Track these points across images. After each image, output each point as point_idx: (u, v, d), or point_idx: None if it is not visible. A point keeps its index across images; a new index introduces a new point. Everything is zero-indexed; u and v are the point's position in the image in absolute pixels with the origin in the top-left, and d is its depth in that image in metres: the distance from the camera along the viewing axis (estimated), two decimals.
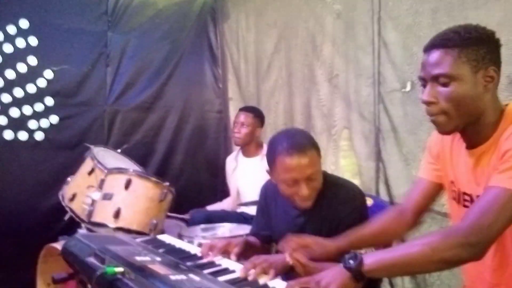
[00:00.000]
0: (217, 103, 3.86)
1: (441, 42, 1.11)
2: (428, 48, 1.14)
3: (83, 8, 3.24)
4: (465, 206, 1.23)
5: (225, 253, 1.44)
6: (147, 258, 1.32)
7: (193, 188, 3.66)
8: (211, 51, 3.84)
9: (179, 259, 1.37)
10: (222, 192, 3.30)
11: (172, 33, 3.61)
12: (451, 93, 1.09)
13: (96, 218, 2.07)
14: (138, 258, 1.30)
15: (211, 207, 3.02)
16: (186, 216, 2.75)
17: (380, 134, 2.42)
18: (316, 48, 2.85)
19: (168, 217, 2.45)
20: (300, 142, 1.46)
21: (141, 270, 1.17)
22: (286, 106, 3.13)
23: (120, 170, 2.16)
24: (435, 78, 1.11)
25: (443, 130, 1.15)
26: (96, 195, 2.14)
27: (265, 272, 1.23)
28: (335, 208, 1.48)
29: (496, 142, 1.11)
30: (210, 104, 3.85)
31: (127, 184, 2.06)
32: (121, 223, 2.01)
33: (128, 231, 2.00)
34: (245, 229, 2.30)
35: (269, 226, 1.68)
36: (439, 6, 2.06)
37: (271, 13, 3.23)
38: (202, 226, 2.39)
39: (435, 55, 1.11)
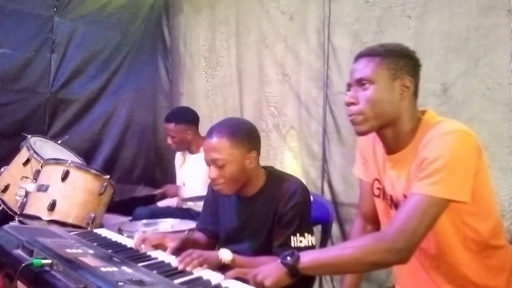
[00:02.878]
0: (169, 96, 3.81)
1: (367, 51, 1.23)
2: (356, 58, 1.25)
3: None
4: (388, 204, 1.30)
5: (161, 247, 1.43)
6: (78, 251, 1.29)
7: (145, 183, 3.59)
8: (163, 45, 3.80)
9: (113, 252, 1.35)
10: None
11: (123, 23, 3.53)
12: (369, 95, 1.18)
13: (30, 210, 1.97)
14: (69, 251, 1.27)
15: (162, 203, 2.96)
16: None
17: (326, 135, 2.50)
18: (268, 47, 2.88)
19: None
20: (216, 127, 1.51)
21: (71, 262, 1.14)
22: (235, 103, 3.14)
23: (57, 161, 2.08)
24: (358, 82, 1.20)
25: (360, 129, 1.23)
26: (31, 186, 2.04)
27: (200, 266, 1.24)
28: (278, 201, 1.50)
29: (414, 149, 1.18)
30: (162, 98, 3.80)
31: (65, 176, 1.98)
32: (56, 215, 1.93)
33: (63, 224, 1.93)
34: (188, 224, 2.28)
35: (216, 220, 1.69)
36: (383, 15, 2.16)
37: (223, 10, 3.23)
38: (144, 221, 2.34)
39: (361, 62, 1.22)
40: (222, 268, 1.34)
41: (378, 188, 1.35)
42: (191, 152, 2.83)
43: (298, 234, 1.47)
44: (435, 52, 1.99)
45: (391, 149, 1.26)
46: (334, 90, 2.46)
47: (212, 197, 1.71)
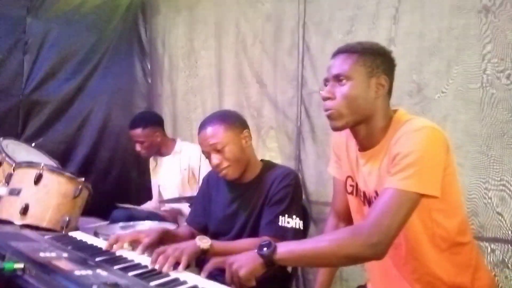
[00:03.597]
0: (146, 98, 3.76)
1: (345, 48, 1.26)
2: (334, 54, 1.27)
3: None
4: (362, 201, 1.32)
5: (137, 244, 1.41)
6: (52, 255, 1.26)
7: (122, 186, 3.54)
8: (140, 46, 3.75)
9: (88, 255, 1.32)
10: (151, 190, 3.20)
11: (99, 24, 3.47)
12: (346, 90, 1.21)
13: (2, 215, 1.91)
14: (43, 255, 1.24)
15: (143, 207, 2.92)
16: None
17: (301, 135, 2.52)
18: (246, 48, 2.88)
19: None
20: (206, 119, 1.63)
21: (44, 266, 1.12)
22: (214, 104, 3.13)
23: (29, 164, 2.02)
24: (336, 77, 1.23)
25: (335, 125, 1.25)
26: (2, 190, 1.98)
27: (177, 261, 1.23)
28: (270, 184, 1.56)
29: (386, 146, 1.21)
30: (139, 99, 3.75)
31: (38, 179, 1.92)
32: (28, 220, 1.87)
33: (37, 228, 1.88)
34: (167, 227, 2.26)
35: (207, 212, 1.71)
36: (356, 15, 2.19)
37: (202, 11, 3.22)
38: (121, 224, 2.31)
39: (339, 58, 1.24)
40: (202, 255, 1.34)
41: (351, 185, 1.36)
42: (162, 155, 2.80)
43: (286, 215, 1.50)
44: (409, 52, 2.03)
45: (363, 146, 1.28)
46: (309, 89, 2.49)
47: (207, 189, 1.76)
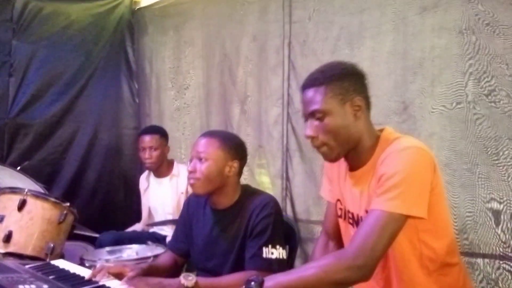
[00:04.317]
0: (134, 119, 3.74)
1: (310, 82, 1.25)
2: (303, 88, 1.27)
3: None
4: (350, 223, 1.31)
5: (121, 276, 1.38)
6: (32, 287, 1.22)
7: (108, 209, 3.49)
8: (128, 65, 3.73)
9: (69, 285, 1.28)
10: (138, 212, 3.17)
11: (85, 45, 3.45)
12: (326, 126, 1.20)
13: None
14: (21, 287, 1.20)
15: (131, 229, 2.87)
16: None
17: (288, 153, 2.51)
18: (231, 68, 2.89)
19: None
20: (213, 131, 1.78)
21: None
22: (203, 123, 3.13)
23: (13, 190, 1.99)
24: (312, 114, 1.22)
25: (329, 158, 1.25)
26: None
27: None
28: (250, 213, 1.53)
29: (374, 166, 1.20)
30: (126, 120, 3.72)
31: (21, 205, 1.89)
32: (12, 247, 1.84)
33: (20, 256, 1.84)
34: (154, 250, 2.22)
35: (189, 238, 1.69)
36: (340, 35, 2.21)
37: (188, 31, 3.24)
38: (108, 248, 2.27)
39: (307, 94, 1.24)
40: None
41: (340, 209, 1.35)
42: (158, 175, 2.77)
43: (270, 246, 1.49)
44: (393, 72, 2.05)
45: (352, 166, 1.28)
46: (296, 108, 2.49)
47: (187, 215, 1.73)
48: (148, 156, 2.65)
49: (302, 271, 1.13)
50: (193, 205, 1.72)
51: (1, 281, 1.25)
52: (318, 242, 1.54)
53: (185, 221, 1.73)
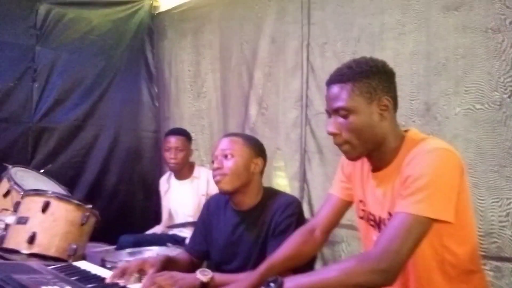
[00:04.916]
0: (153, 122, 3.79)
1: (336, 78, 1.20)
2: (328, 83, 1.22)
3: (9, 21, 3.07)
4: (371, 225, 1.28)
5: (142, 273, 1.38)
6: None
7: (127, 211, 3.53)
8: (147, 70, 3.78)
9: (91, 287, 1.29)
10: (157, 214, 3.19)
11: (106, 50, 3.52)
12: (350, 124, 1.16)
13: (9, 244, 1.90)
14: None
15: (151, 231, 2.90)
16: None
17: (306, 155, 2.49)
18: (249, 71, 2.89)
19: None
20: (235, 133, 1.80)
21: None
22: (220, 126, 3.14)
23: (37, 192, 2.02)
24: (336, 111, 1.18)
25: (350, 157, 1.22)
26: (11, 219, 1.98)
27: None
28: (273, 213, 1.53)
29: (398, 167, 1.16)
30: (146, 123, 3.77)
31: (45, 207, 1.92)
32: (36, 249, 1.86)
33: (44, 257, 1.86)
34: (173, 252, 2.22)
35: (209, 240, 1.68)
36: (361, 36, 2.19)
37: (207, 35, 3.26)
38: (128, 250, 2.28)
39: (333, 90, 1.19)
40: None
41: (363, 210, 1.32)
42: (179, 177, 2.79)
43: None
44: (416, 72, 2.01)
45: (376, 167, 1.24)
46: (315, 110, 2.47)
47: (207, 216, 1.72)
48: (174, 156, 2.69)
49: (323, 273, 1.10)
50: (213, 207, 1.72)
51: (25, 282, 1.26)
52: (295, 235, 1.45)
53: (205, 223, 1.72)
